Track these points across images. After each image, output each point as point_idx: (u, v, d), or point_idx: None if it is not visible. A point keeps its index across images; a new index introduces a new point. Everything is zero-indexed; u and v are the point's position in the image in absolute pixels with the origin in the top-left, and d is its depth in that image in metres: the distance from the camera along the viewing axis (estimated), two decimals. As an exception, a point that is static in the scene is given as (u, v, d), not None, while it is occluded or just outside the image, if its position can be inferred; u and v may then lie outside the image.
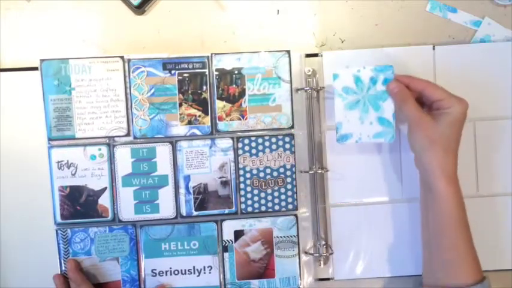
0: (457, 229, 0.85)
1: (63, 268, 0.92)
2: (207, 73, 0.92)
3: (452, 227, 0.84)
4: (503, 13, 0.97)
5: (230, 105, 0.93)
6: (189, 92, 0.92)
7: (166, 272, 0.93)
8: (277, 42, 0.97)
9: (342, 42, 0.97)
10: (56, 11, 0.96)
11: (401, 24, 0.97)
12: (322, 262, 0.95)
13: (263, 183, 0.93)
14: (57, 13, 0.96)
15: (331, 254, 0.95)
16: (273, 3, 0.97)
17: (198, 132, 0.92)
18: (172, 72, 0.92)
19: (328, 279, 0.96)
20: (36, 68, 0.91)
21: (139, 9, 0.95)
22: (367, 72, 0.88)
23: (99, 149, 0.92)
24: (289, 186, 0.93)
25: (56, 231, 0.91)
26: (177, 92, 0.92)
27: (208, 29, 0.97)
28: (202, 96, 0.92)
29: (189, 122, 0.92)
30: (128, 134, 0.92)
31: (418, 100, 0.87)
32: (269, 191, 0.93)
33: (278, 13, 0.97)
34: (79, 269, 0.91)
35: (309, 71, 0.95)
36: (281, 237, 0.93)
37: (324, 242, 0.95)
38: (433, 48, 0.95)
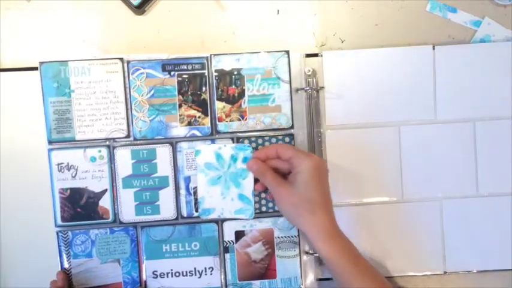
0: (353, 281, 0.81)
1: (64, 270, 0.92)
2: (206, 74, 0.92)
3: (348, 281, 0.81)
4: (503, 13, 0.96)
5: (230, 106, 0.93)
6: (189, 93, 0.92)
7: (167, 273, 0.93)
8: (277, 42, 0.96)
9: (342, 42, 0.97)
10: (56, 11, 0.96)
11: (401, 24, 0.97)
12: (322, 262, 0.95)
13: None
14: (57, 13, 0.96)
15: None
16: (273, 3, 0.97)
17: (198, 133, 0.92)
18: (172, 73, 0.92)
19: (328, 279, 0.96)
20: (36, 68, 0.91)
21: (139, 9, 0.94)
22: (228, 150, 0.91)
23: (99, 151, 0.92)
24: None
25: (57, 233, 0.92)
26: (176, 93, 0.92)
27: (208, 29, 0.96)
28: (202, 97, 0.92)
29: (189, 123, 0.92)
30: (128, 136, 0.92)
31: (279, 169, 0.88)
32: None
33: (278, 13, 0.97)
34: (67, 281, 0.92)
35: (309, 71, 0.95)
36: (282, 237, 0.94)
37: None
38: (433, 48, 0.95)
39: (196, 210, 0.93)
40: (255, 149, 0.92)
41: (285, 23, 0.97)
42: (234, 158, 0.91)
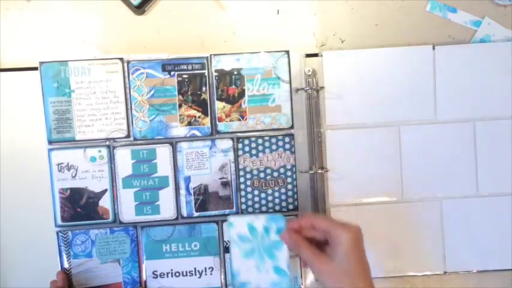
0: None
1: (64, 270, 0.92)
2: (206, 74, 0.92)
3: None
4: (503, 13, 0.96)
5: (230, 106, 0.93)
6: (189, 93, 0.92)
7: (167, 273, 0.93)
8: (277, 42, 0.96)
9: (342, 42, 0.97)
10: (56, 11, 0.96)
11: (401, 24, 0.97)
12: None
13: (263, 183, 0.93)
14: (57, 13, 0.96)
15: (332, 254, 0.95)
16: (273, 3, 0.97)
17: (198, 133, 0.92)
18: (172, 73, 0.92)
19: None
20: (36, 68, 0.91)
21: (139, 9, 0.94)
22: (261, 222, 0.88)
23: (99, 151, 0.92)
24: (289, 187, 0.93)
25: (57, 233, 0.92)
26: (176, 93, 0.92)
27: (208, 29, 0.96)
28: (202, 97, 0.92)
29: (189, 123, 0.92)
30: (128, 136, 0.92)
31: (315, 239, 0.84)
32: (269, 191, 0.93)
33: (278, 13, 0.97)
34: (67, 281, 0.92)
35: (309, 71, 0.95)
36: (282, 237, 0.94)
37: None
38: (433, 48, 0.95)
39: (196, 210, 0.93)
40: (255, 149, 0.92)
41: (285, 23, 0.97)
42: (266, 230, 0.89)
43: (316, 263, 0.81)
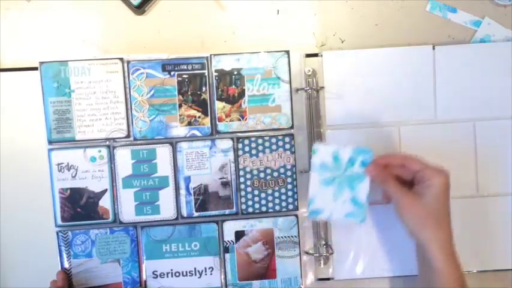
0: None
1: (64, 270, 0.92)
2: (206, 74, 0.92)
3: None
4: (503, 13, 0.96)
5: (230, 106, 0.93)
6: (189, 93, 0.92)
7: (167, 273, 0.93)
8: (277, 42, 0.96)
9: (342, 42, 0.97)
10: (56, 11, 0.96)
11: (401, 24, 0.97)
12: (322, 262, 0.95)
13: (263, 183, 0.93)
14: (57, 13, 0.96)
15: (331, 254, 0.95)
16: (273, 3, 0.97)
17: (198, 133, 0.92)
18: (172, 73, 0.92)
19: (328, 279, 0.96)
20: (36, 68, 0.91)
21: (139, 9, 0.94)
22: (347, 152, 0.87)
23: (99, 151, 0.92)
24: (289, 187, 0.93)
25: (57, 233, 0.92)
26: (176, 93, 0.92)
27: (208, 29, 0.96)
28: (202, 97, 0.92)
29: (189, 123, 0.92)
30: (128, 136, 0.92)
31: (401, 177, 0.86)
32: (269, 191, 0.93)
33: (278, 13, 0.97)
34: (67, 281, 0.92)
35: (309, 71, 0.95)
36: (282, 237, 0.94)
37: (324, 242, 0.95)
38: (433, 48, 0.95)
39: (196, 210, 0.93)
40: (255, 149, 0.92)
41: (285, 23, 0.97)
42: (352, 161, 0.87)
43: (403, 200, 0.83)
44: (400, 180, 0.85)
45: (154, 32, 0.96)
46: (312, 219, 0.91)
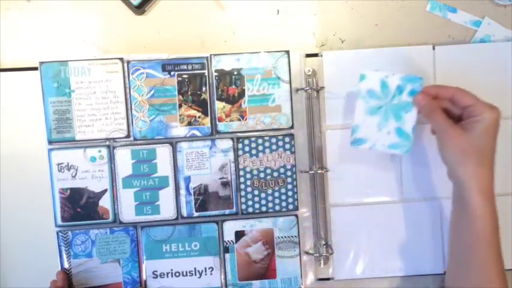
0: (489, 248, 0.79)
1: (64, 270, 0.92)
2: (206, 74, 0.92)
3: (485, 246, 0.79)
4: (503, 13, 0.96)
5: (230, 106, 0.93)
6: (189, 93, 0.92)
7: (167, 273, 0.93)
8: (277, 42, 0.96)
9: (342, 42, 0.97)
10: (56, 11, 0.96)
11: (401, 24, 0.97)
12: (322, 262, 0.95)
13: (263, 183, 0.93)
14: (57, 13, 0.96)
15: (331, 254, 0.95)
16: (273, 3, 0.97)
17: (198, 133, 0.92)
18: (172, 73, 0.92)
19: (328, 279, 0.96)
20: (36, 68, 0.91)
21: (139, 9, 0.94)
22: (395, 80, 0.86)
23: (99, 151, 0.92)
24: (289, 187, 0.93)
25: (57, 233, 0.92)
26: (176, 93, 0.92)
27: (208, 29, 0.96)
28: (202, 97, 0.92)
29: (189, 123, 0.92)
30: (128, 136, 0.92)
31: (448, 112, 0.84)
32: (269, 191, 0.93)
33: (278, 13, 0.97)
34: (67, 281, 0.92)
35: (309, 71, 0.95)
36: (282, 237, 0.94)
37: (324, 242, 0.95)
38: (433, 48, 0.95)
39: (196, 210, 0.93)
40: (255, 149, 0.92)
41: (285, 23, 0.97)
42: (400, 89, 0.86)
43: (449, 131, 0.80)
44: (448, 115, 0.83)
45: (154, 32, 0.96)
46: (355, 148, 0.88)
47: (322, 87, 0.94)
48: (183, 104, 0.92)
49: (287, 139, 0.93)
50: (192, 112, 0.92)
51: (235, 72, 0.92)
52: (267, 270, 0.94)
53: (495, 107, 0.81)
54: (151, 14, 0.96)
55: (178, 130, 0.92)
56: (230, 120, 0.93)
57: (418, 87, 0.86)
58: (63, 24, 0.96)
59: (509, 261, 0.96)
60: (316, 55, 0.96)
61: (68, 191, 0.92)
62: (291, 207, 0.93)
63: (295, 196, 0.93)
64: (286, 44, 0.96)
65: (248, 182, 0.93)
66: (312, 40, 0.97)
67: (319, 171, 0.94)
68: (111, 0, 0.96)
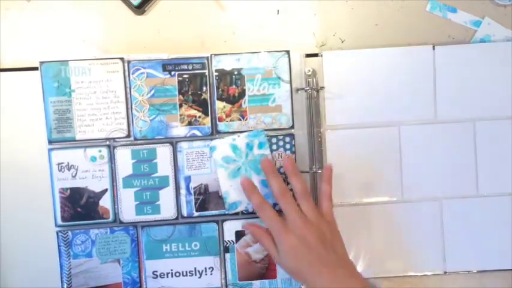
0: None
1: (64, 270, 0.92)
2: (206, 74, 0.92)
3: None
4: (503, 13, 0.97)
5: (230, 105, 0.93)
6: (189, 93, 0.92)
7: (167, 273, 0.93)
8: (277, 42, 0.96)
9: (342, 42, 0.97)
10: (56, 11, 0.96)
11: (401, 24, 0.97)
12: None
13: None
14: (57, 13, 0.96)
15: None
16: (273, 3, 0.97)
17: (198, 133, 0.92)
18: (172, 73, 0.92)
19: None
20: (36, 68, 0.91)
21: (139, 9, 0.94)
22: (242, 140, 0.91)
23: (100, 151, 0.92)
24: (289, 187, 0.93)
25: (57, 233, 0.92)
26: (177, 93, 0.92)
27: (208, 29, 0.96)
28: (202, 97, 0.92)
29: (189, 123, 0.92)
30: (128, 136, 0.92)
31: None
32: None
33: (278, 13, 0.97)
34: None
35: (309, 71, 0.95)
36: (282, 237, 0.94)
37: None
38: (433, 48, 0.95)
39: (197, 209, 0.93)
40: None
41: (285, 23, 0.97)
42: (249, 146, 0.91)
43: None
44: None
45: (154, 32, 0.96)
46: (233, 212, 0.92)
47: (322, 87, 0.94)
48: (183, 104, 0.92)
49: (287, 139, 0.93)
50: (193, 112, 0.92)
51: (236, 72, 0.92)
52: (267, 270, 0.93)
53: (290, 231, 0.84)
54: (152, 14, 0.96)
55: (179, 130, 0.92)
56: (230, 120, 0.93)
57: (263, 138, 0.91)
58: (63, 24, 0.96)
59: (509, 261, 0.96)
60: (316, 55, 0.96)
61: (68, 191, 0.91)
62: (291, 207, 0.93)
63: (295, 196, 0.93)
64: (286, 44, 0.96)
65: (248, 182, 0.93)
66: (312, 40, 0.97)
67: (319, 171, 0.94)
68: (111, 0, 0.95)
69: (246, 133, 0.91)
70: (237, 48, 0.96)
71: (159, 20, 0.96)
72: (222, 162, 0.92)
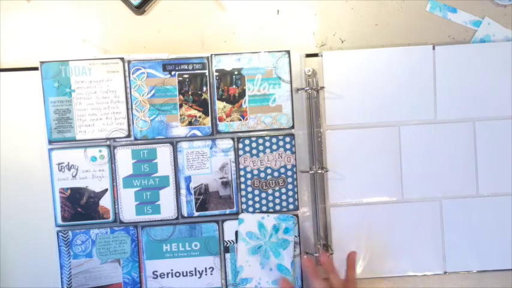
0: None
1: (64, 270, 0.92)
2: (207, 74, 0.92)
3: None
4: (503, 13, 0.97)
5: (230, 105, 0.93)
6: (189, 93, 0.92)
7: (167, 274, 0.93)
8: (277, 42, 0.96)
9: (342, 42, 0.97)
10: (56, 11, 0.96)
11: (401, 24, 0.97)
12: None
13: (264, 183, 0.93)
14: (57, 13, 0.96)
15: (331, 254, 0.95)
16: (273, 3, 0.97)
17: (198, 133, 0.92)
18: (173, 73, 0.92)
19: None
20: (36, 68, 0.91)
21: (139, 9, 0.94)
22: (271, 220, 0.92)
23: (100, 151, 0.92)
24: (290, 187, 0.93)
25: (57, 233, 0.92)
26: (177, 93, 0.92)
27: (208, 29, 0.96)
28: (203, 97, 0.92)
29: (190, 123, 0.92)
30: (128, 136, 0.92)
31: None
32: (270, 191, 0.93)
33: (278, 13, 0.97)
34: None
35: (309, 71, 0.95)
36: (282, 237, 0.94)
37: (324, 242, 0.95)
38: (433, 48, 0.95)
39: (197, 209, 0.93)
40: (256, 149, 0.92)
41: (285, 23, 0.97)
42: (276, 228, 0.92)
43: None
44: None
45: (154, 32, 0.96)
46: (241, 287, 0.93)
47: (322, 87, 0.94)
48: (183, 104, 0.92)
49: (288, 139, 0.93)
50: (193, 112, 0.92)
51: (236, 72, 0.92)
52: (267, 270, 0.94)
53: None
54: (152, 14, 0.96)
55: (179, 130, 0.92)
56: (231, 120, 0.93)
57: (291, 225, 0.92)
58: (63, 24, 0.96)
59: (509, 261, 0.96)
60: (316, 55, 0.96)
61: (69, 191, 0.91)
62: (291, 207, 0.93)
63: (296, 196, 0.93)
64: (286, 44, 0.96)
65: (248, 182, 0.93)
66: (312, 40, 0.97)
67: (319, 171, 0.94)
68: (111, 0, 0.96)
69: (276, 215, 0.92)
70: (237, 48, 0.96)
71: (159, 20, 0.96)
72: (245, 236, 0.92)
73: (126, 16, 0.96)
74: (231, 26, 0.97)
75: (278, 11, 0.97)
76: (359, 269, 0.96)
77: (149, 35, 0.96)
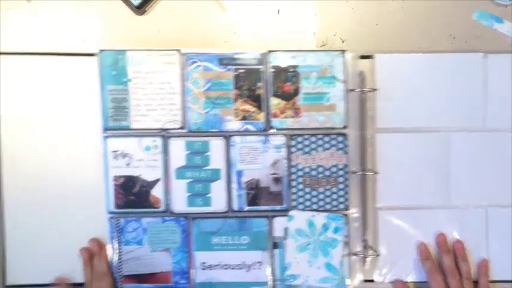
0: None
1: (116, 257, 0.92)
2: (262, 70, 0.93)
3: None
4: (503, 13, 0.97)
5: (284, 102, 0.93)
6: (244, 87, 0.93)
7: (216, 265, 0.93)
8: (277, 42, 0.97)
9: (343, 42, 0.97)
10: (56, 11, 0.96)
11: (401, 24, 0.97)
12: (368, 264, 0.95)
13: (315, 181, 0.93)
14: (57, 13, 0.96)
15: (377, 256, 0.94)
16: (273, 3, 0.97)
17: (252, 128, 0.93)
18: (228, 67, 0.92)
19: (372, 281, 0.95)
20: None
21: (140, 9, 0.94)
22: (321, 219, 0.92)
23: (154, 141, 0.92)
24: (341, 186, 0.93)
25: (109, 219, 0.92)
26: (232, 87, 0.92)
27: (208, 29, 0.97)
28: (257, 92, 0.93)
29: (244, 118, 0.93)
30: (182, 127, 0.92)
31: None
32: (321, 189, 0.93)
33: (278, 13, 0.97)
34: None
35: (361, 72, 0.95)
36: (331, 236, 0.94)
37: (371, 244, 0.95)
38: (485, 57, 0.95)
39: (248, 204, 0.93)
40: (308, 146, 0.92)
41: (285, 23, 0.97)
42: (325, 227, 0.92)
43: None
44: None
45: (154, 32, 0.96)
46: (288, 284, 0.93)
47: (375, 89, 0.94)
48: (238, 98, 0.93)
49: (340, 138, 0.93)
50: (247, 107, 0.93)
51: (291, 69, 0.93)
52: (314, 269, 0.94)
53: None
54: (152, 14, 0.96)
55: (233, 124, 0.93)
56: (284, 117, 0.93)
57: (341, 224, 0.92)
58: (63, 24, 0.96)
59: (508, 273, 0.96)
60: (368, 57, 0.96)
61: (122, 179, 0.92)
62: (341, 206, 0.93)
63: (346, 196, 0.93)
64: (287, 44, 0.97)
65: (300, 179, 0.93)
66: (312, 40, 0.97)
67: (369, 173, 0.94)
68: (111, 0, 0.96)
69: (326, 213, 0.93)
70: (237, 48, 0.95)
71: (160, 20, 0.96)
72: (294, 233, 0.93)
73: (127, 16, 0.96)
74: (232, 26, 0.97)
75: (278, 11, 0.97)
76: (404, 273, 0.95)
77: (149, 35, 0.96)
